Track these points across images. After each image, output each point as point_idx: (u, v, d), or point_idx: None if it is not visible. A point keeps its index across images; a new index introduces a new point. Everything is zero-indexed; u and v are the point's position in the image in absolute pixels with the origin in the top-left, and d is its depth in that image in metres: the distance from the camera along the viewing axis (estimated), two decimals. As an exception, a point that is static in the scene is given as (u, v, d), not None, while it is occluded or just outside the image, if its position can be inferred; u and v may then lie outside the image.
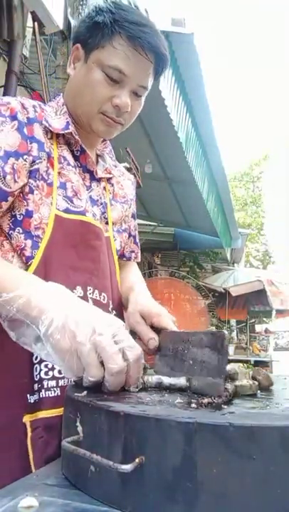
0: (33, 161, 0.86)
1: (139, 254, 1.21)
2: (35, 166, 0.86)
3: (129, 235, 1.17)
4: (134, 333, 0.87)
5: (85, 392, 0.61)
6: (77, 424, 0.57)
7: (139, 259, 1.21)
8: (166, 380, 0.67)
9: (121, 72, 0.87)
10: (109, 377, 0.61)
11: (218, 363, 0.62)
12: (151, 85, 0.94)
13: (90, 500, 0.52)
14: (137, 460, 0.47)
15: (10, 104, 0.85)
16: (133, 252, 1.19)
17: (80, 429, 0.57)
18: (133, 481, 0.48)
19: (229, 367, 0.66)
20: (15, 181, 0.83)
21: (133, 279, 1.12)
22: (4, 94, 3.03)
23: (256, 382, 0.67)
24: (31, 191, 0.85)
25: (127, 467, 0.46)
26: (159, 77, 0.96)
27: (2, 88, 3.09)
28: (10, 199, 0.83)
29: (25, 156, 0.84)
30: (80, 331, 0.62)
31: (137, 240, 1.20)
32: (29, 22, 3.21)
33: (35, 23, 3.10)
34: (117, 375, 0.61)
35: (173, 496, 0.46)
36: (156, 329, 0.84)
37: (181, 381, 0.66)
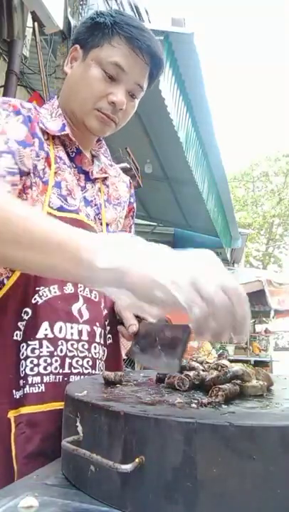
0: (36, 156, 0.87)
1: None
2: (35, 162, 0.87)
3: None
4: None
5: (85, 392, 0.61)
6: (77, 424, 0.57)
7: None
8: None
9: (120, 68, 0.89)
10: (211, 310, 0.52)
11: (177, 347, 0.66)
12: (146, 88, 0.96)
13: (90, 500, 0.52)
14: (137, 460, 0.47)
15: (10, 102, 0.87)
16: None
17: (80, 429, 0.57)
18: (133, 481, 0.48)
19: (237, 367, 0.67)
20: (24, 164, 0.84)
21: None
22: (4, 94, 3.03)
23: (265, 383, 0.67)
24: (30, 186, 0.86)
25: (127, 467, 0.46)
26: (153, 82, 0.99)
27: (2, 88, 3.09)
28: (22, 179, 0.84)
29: (31, 147, 0.86)
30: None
31: None
32: (29, 22, 3.22)
33: (35, 23, 3.10)
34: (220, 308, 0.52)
35: (173, 496, 0.46)
36: (139, 318, 0.87)
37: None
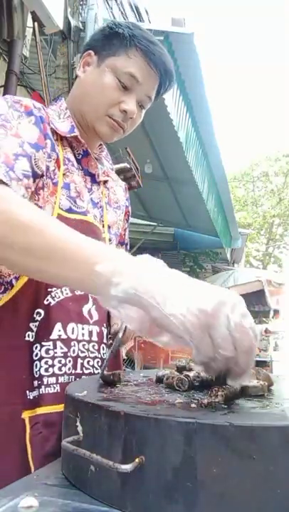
0: (48, 157, 0.88)
1: None
2: (47, 164, 0.88)
3: (123, 243, 1.19)
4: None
5: (85, 392, 0.61)
6: (77, 424, 0.57)
7: None
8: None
9: (134, 79, 0.92)
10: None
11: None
12: (153, 100, 0.99)
13: (90, 500, 0.52)
14: (137, 460, 0.47)
15: (22, 102, 0.87)
16: None
17: (80, 429, 0.57)
18: (133, 481, 0.48)
19: None
20: (39, 168, 0.84)
21: None
22: (4, 94, 3.03)
23: (266, 383, 0.67)
24: (42, 187, 0.87)
25: (127, 467, 0.46)
26: (161, 96, 1.02)
27: (2, 88, 3.10)
28: (35, 182, 0.84)
29: (44, 150, 0.86)
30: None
31: (128, 247, 1.24)
32: (29, 22, 3.22)
33: (35, 23, 3.10)
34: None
35: (173, 496, 0.46)
36: None
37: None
